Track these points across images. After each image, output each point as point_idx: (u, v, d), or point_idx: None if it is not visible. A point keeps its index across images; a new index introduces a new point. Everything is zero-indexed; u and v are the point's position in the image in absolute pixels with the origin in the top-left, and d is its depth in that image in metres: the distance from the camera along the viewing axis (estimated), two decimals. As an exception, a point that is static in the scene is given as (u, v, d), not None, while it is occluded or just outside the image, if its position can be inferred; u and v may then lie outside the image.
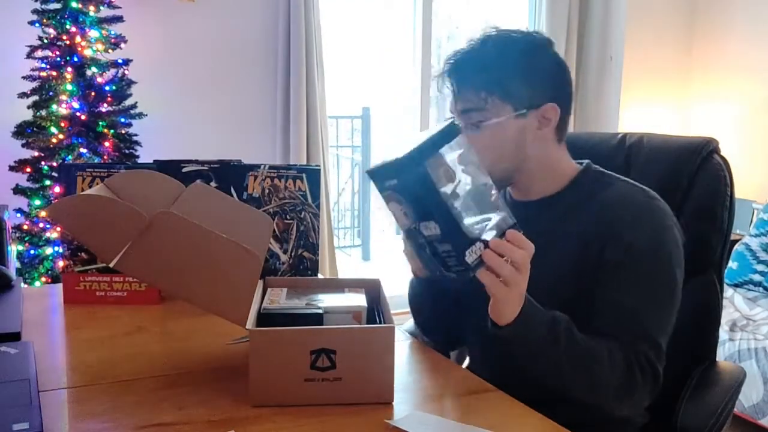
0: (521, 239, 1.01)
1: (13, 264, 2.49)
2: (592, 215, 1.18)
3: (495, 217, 1.00)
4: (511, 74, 1.18)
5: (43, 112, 2.57)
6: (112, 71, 2.68)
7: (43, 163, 2.57)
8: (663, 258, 1.14)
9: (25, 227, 2.58)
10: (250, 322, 1.01)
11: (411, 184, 0.94)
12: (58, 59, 2.58)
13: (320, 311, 1.08)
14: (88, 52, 2.60)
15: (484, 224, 0.98)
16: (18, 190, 2.59)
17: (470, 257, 0.96)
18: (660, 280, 1.14)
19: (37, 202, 2.58)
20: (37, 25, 2.58)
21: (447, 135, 0.97)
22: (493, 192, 1.01)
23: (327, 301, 1.12)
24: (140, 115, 2.73)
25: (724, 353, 2.58)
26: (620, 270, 1.13)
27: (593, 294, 1.14)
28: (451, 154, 0.96)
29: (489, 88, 1.18)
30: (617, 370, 1.09)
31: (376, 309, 1.16)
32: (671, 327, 1.15)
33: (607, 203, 1.19)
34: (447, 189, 0.95)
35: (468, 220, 0.96)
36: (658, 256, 1.14)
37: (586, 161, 1.28)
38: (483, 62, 1.19)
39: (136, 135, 2.72)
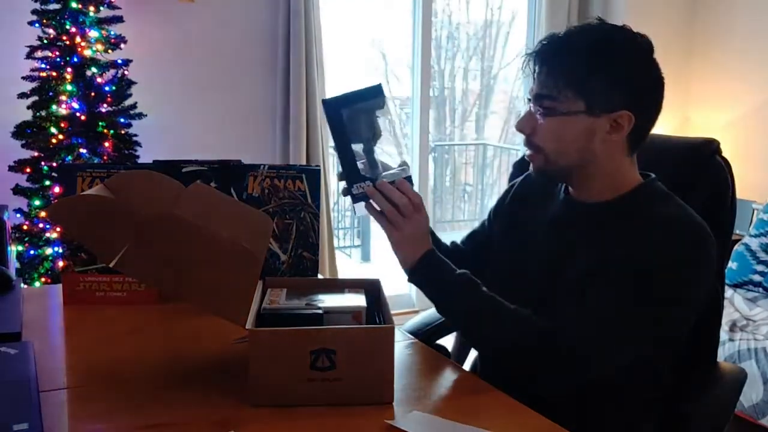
0: (405, 186, 1.17)
1: (13, 264, 2.49)
2: (629, 230, 1.13)
3: (396, 171, 1.21)
4: (594, 71, 1.13)
5: (43, 113, 2.57)
6: (112, 71, 2.68)
7: (43, 163, 2.57)
8: (668, 279, 1.08)
9: (25, 227, 2.58)
10: (250, 322, 1.01)
11: (332, 126, 1.17)
12: (58, 59, 2.58)
13: (320, 311, 1.08)
14: (87, 53, 2.60)
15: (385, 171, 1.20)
16: (18, 191, 2.59)
17: (356, 190, 1.18)
18: (650, 297, 1.08)
19: (37, 203, 2.58)
20: (37, 25, 2.58)
21: (369, 93, 1.18)
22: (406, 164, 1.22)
23: (327, 301, 1.12)
24: (140, 115, 2.73)
25: (723, 353, 2.57)
26: (609, 270, 1.10)
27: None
28: (382, 114, 1.18)
29: (567, 80, 1.13)
30: (525, 334, 1.11)
31: (376, 309, 1.16)
32: (625, 346, 1.10)
33: (647, 220, 1.13)
34: (365, 137, 1.17)
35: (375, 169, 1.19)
36: (665, 276, 1.08)
37: (653, 176, 1.22)
38: (570, 52, 1.15)
39: (136, 135, 2.72)
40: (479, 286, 1.17)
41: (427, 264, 1.19)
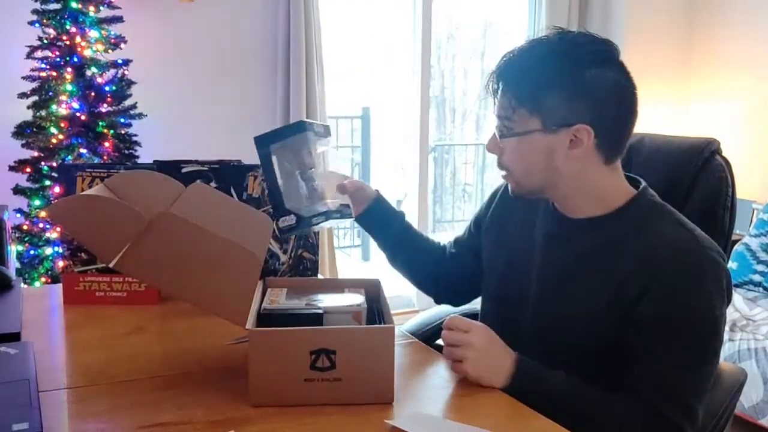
0: (452, 323, 1.13)
1: (13, 264, 2.49)
2: (637, 253, 1.09)
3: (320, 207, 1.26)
4: (545, 87, 1.09)
5: (43, 113, 2.57)
6: (112, 71, 2.68)
7: (43, 163, 2.57)
8: (708, 318, 1.06)
9: (25, 227, 2.58)
10: (250, 322, 1.01)
11: (261, 162, 1.23)
12: (58, 59, 2.57)
13: (320, 311, 1.08)
14: (87, 53, 2.60)
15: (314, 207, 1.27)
16: (18, 190, 2.59)
17: (282, 223, 1.23)
18: (701, 341, 1.06)
19: (37, 203, 2.58)
20: (37, 25, 2.58)
21: (293, 128, 1.25)
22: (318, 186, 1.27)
23: (327, 301, 1.12)
24: (140, 115, 2.73)
25: (724, 353, 2.57)
26: (658, 325, 1.06)
27: (627, 339, 1.08)
28: (312, 147, 1.24)
29: (520, 99, 1.11)
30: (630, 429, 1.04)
31: (376, 309, 1.16)
32: (708, 388, 1.08)
33: (654, 244, 1.09)
34: (294, 170, 1.24)
35: (307, 200, 1.25)
36: (703, 315, 1.06)
37: (643, 185, 1.18)
38: (522, 70, 1.12)
39: (136, 135, 2.72)
40: (575, 387, 1.09)
41: (519, 384, 1.09)
